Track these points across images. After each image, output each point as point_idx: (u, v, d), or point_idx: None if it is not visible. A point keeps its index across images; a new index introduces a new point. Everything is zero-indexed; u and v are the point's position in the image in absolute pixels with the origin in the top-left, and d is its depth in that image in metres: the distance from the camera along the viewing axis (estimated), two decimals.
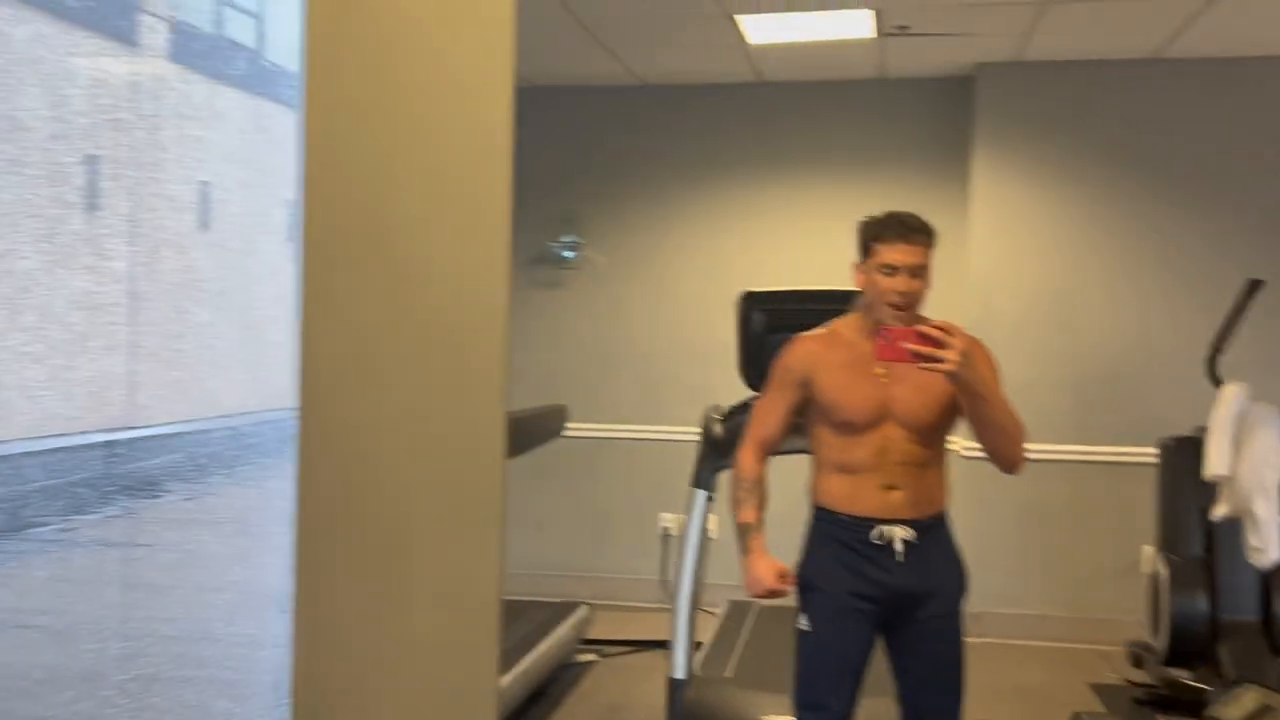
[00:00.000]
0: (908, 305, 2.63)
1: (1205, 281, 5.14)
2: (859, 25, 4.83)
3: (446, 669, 1.30)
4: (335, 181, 1.27)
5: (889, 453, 2.66)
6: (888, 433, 2.65)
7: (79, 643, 5.96)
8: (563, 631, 4.65)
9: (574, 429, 5.30)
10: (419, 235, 1.26)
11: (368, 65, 1.19)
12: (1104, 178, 5.41)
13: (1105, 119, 5.39)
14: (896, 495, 2.67)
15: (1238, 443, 3.66)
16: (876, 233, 2.65)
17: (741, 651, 4.19)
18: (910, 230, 2.62)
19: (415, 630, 1.29)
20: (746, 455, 2.79)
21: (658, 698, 3.84)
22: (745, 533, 2.72)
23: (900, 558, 2.67)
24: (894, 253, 2.61)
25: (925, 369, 2.46)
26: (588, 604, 5.13)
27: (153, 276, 15.91)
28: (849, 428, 2.68)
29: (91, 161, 14.78)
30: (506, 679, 4.00)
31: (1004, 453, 2.61)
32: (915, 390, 2.63)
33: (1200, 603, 4.21)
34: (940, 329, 2.44)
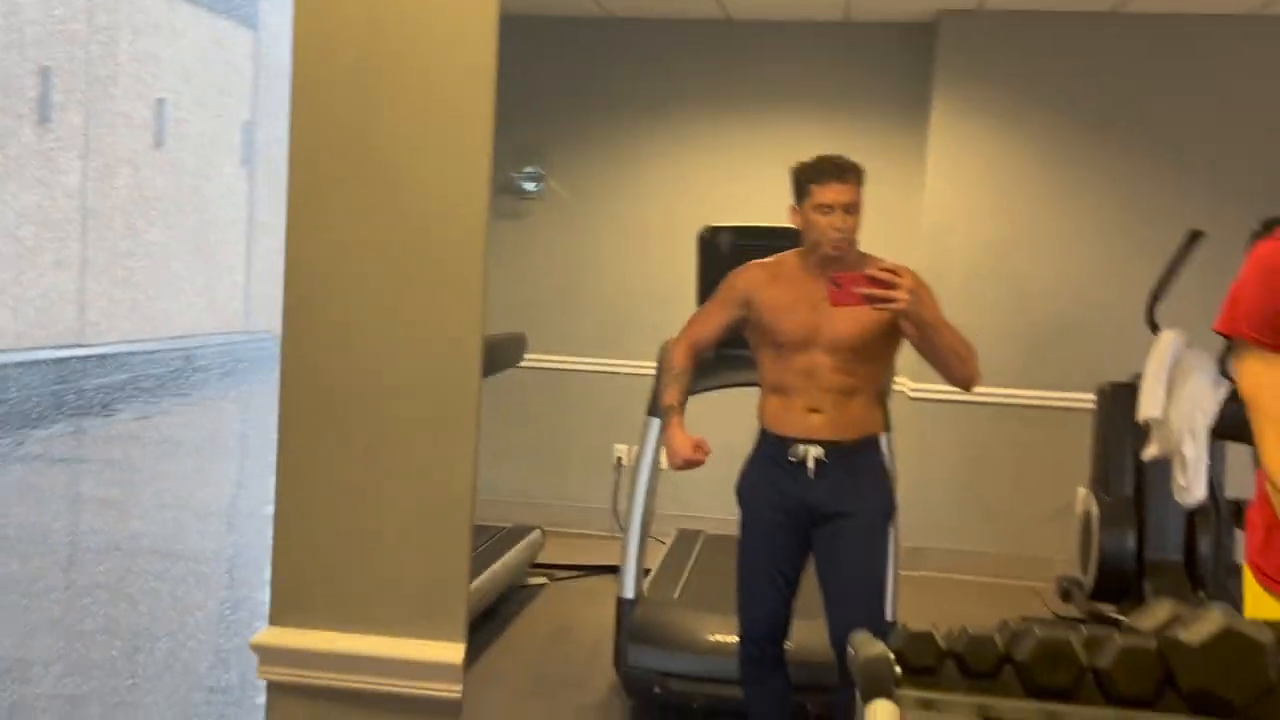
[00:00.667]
0: (845, 239, 2.83)
1: (1150, 233, 5.28)
2: None
3: (421, 563, 1.40)
4: (322, 98, 1.33)
5: (815, 377, 2.86)
6: (815, 358, 2.85)
7: (26, 551, 6.00)
8: (514, 554, 4.76)
9: (533, 360, 5.39)
10: (403, 153, 1.33)
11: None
12: (1057, 129, 5.52)
13: (1061, 72, 5.49)
14: (818, 418, 2.87)
15: (1171, 387, 3.82)
16: (811, 175, 2.85)
17: (688, 575, 4.32)
18: (843, 170, 2.83)
19: (391, 525, 1.38)
20: (677, 348, 3.03)
21: (605, 620, 3.96)
22: (668, 413, 2.94)
23: (812, 474, 2.86)
24: (828, 192, 2.81)
25: (879, 309, 2.62)
26: (540, 529, 5.24)
27: (106, 193, 15.69)
28: (779, 349, 2.89)
29: (44, 74, 14.48)
30: None
31: (958, 373, 2.81)
32: (845, 319, 2.81)
33: (1128, 540, 4.40)
34: (889, 270, 2.59)
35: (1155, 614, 1.38)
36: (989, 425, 5.59)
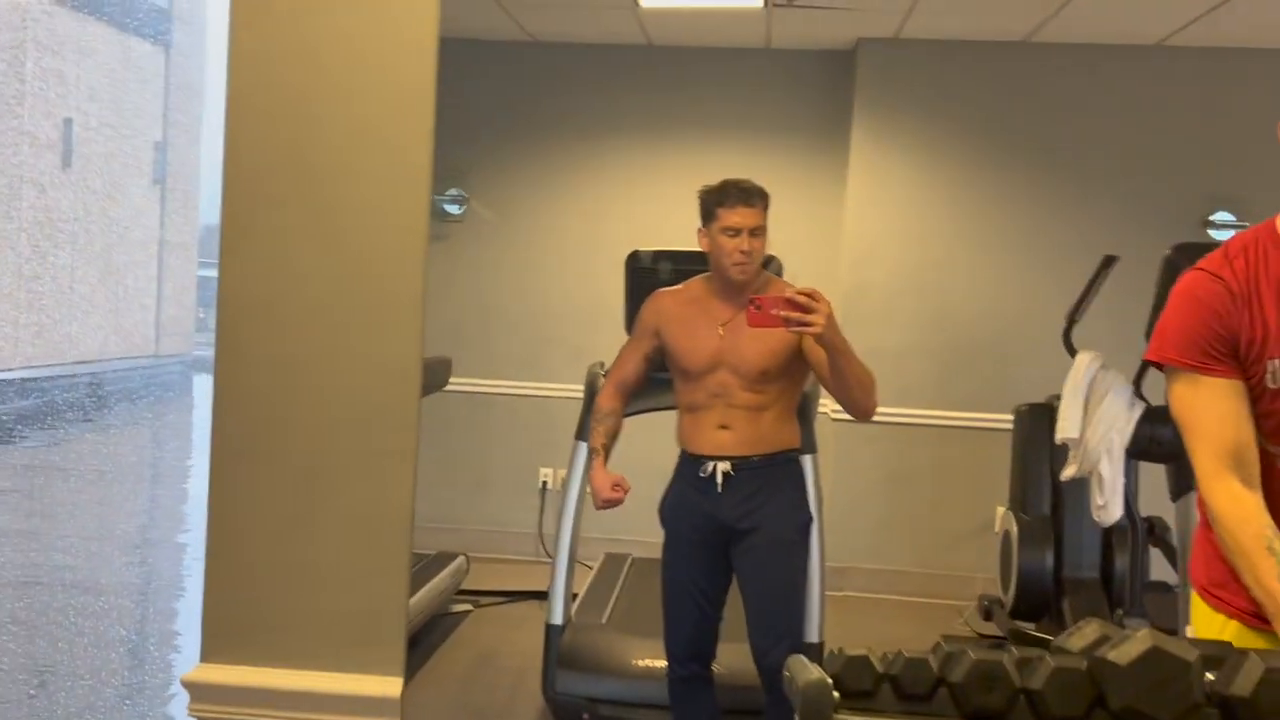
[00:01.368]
0: (751, 262, 2.89)
1: (1065, 257, 5.41)
2: None
3: (358, 596, 1.37)
4: (258, 123, 1.31)
5: (724, 396, 2.92)
6: (723, 379, 2.91)
7: None
8: (439, 581, 4.71)
9: (457, 383, 5.34)
10: (341, 179, 1.31)
11: (293, 10, 1.24)
12: (973, 154, 5.64)
13: (977, 98, 5.62)
14: (726, 434, 2.93)
15: (1088, 408, 3.91)
16: (717, 198, 2.91)
17: (616, 599, 4.32)
18: (748, 194, 2.89)
19: (327, 557, 1.35)
20: (604, 391, 3.11)
21: (532, 646, 3.93)
22: (592, 455, 3.01)
23: (720, 489, 2.91)
24: (735, 215, 2.87)
25: (795, 332, 2.66)
26: (465, 555, 5.20)
27: (10, 215, 15.25)
28: (689, 374, 2.96)
29: None
30: None
31: (861, 402, 2.82)
32: (750, 343, 2.87)
33: (1046, 559, 4.49)
34: (807, 294, 2.61)
35: (1084, 634, 1.41)
36: (910, 445, 5.67)
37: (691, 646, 3.03)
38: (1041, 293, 5.47)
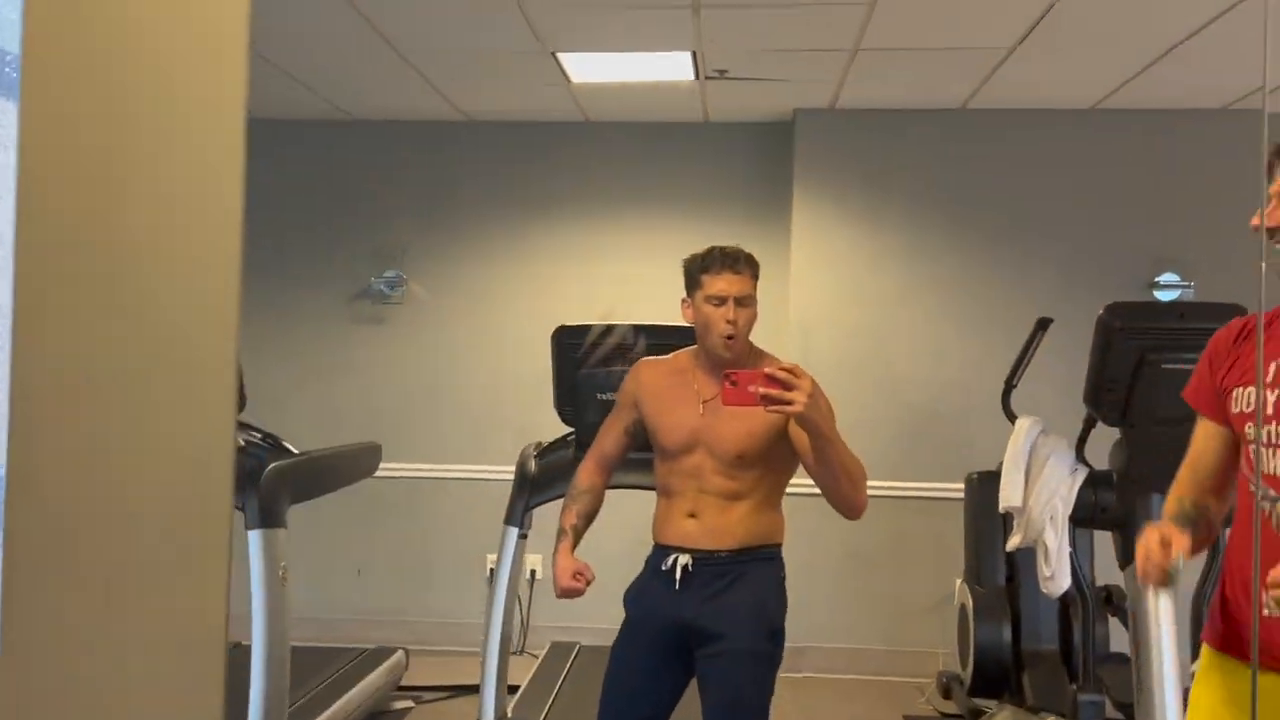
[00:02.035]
0: (738, 333, 2.67)
1: (1010, 321, 5.33)
2: (679, 68, 4.90)
3: (170, 714, 1.23)
4: (52, 199, 1.19)
5: (697, 480, 2.69)
6: (699, 461, 2.69)
7: None
8: (374, 678, 4.51)
9: (397, 469, 5.19)
10: (147, 260, 1.19)
11: (90, 78, 1.12)
12: (912, 220, 5.59)
13: (914, 165, 5.59)
14: (693, 524, 2.70)
15: (1030, 475, 3.79)
16: (703, 266, 2.71)
17: (557, 694, 4.14)
18: (734, 260, 2.69)
19: (136, 672, 1.21)
20: (584, 466, 2.89)
21: None
22: (559, 536, 2.77)
23: (677, 585, 2.67)
24: (720, 282, 2.67)
25: (773, 411, 2.43)
26: (404, 649, 5.00)
27: None
28: (666, 452, 2.74)
29: None
30: None
31: (846, 496, 2.59)
32: (730, 422, 2.64)
33: (1003, 632, 4.33)
34: (787, 370, 2.40)
35: None
36: (867, 518, 5.39)
37: None
38: (992, 357, 5.38)
